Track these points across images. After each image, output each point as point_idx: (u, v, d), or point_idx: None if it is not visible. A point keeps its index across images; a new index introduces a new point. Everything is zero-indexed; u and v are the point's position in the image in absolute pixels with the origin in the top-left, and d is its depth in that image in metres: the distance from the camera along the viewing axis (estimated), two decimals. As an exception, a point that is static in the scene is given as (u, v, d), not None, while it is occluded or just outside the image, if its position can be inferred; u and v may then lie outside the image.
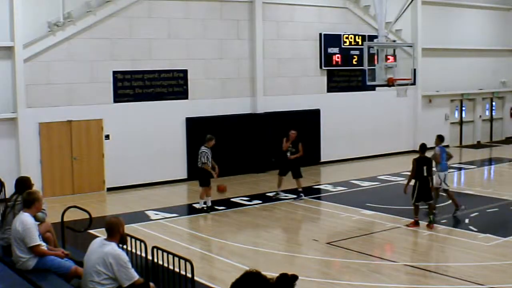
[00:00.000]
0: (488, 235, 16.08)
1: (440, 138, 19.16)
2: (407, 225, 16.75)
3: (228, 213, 18.83)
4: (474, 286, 12.43)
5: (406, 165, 26.33)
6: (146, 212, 18.95)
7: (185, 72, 23.61)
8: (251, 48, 25.09)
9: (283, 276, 7.59)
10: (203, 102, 24.00)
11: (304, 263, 14.05)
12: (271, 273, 12.30)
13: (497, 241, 15.67)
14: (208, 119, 23.87)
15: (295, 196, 20.38)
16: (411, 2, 24.69)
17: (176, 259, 9.75)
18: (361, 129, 28.19)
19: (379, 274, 13.36)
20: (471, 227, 16.85)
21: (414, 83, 23.72)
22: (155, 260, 10.24)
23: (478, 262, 14.07)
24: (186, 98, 23.75)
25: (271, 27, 25.58)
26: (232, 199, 20.41)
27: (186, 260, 9.58)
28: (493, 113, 35.36)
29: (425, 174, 16.66)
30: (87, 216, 11.71)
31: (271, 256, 14.56)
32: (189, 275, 9.55)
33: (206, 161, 18.62)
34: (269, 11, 25.44)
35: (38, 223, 9.91)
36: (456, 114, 33.43)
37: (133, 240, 10.45)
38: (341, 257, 14.50)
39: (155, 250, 10.17)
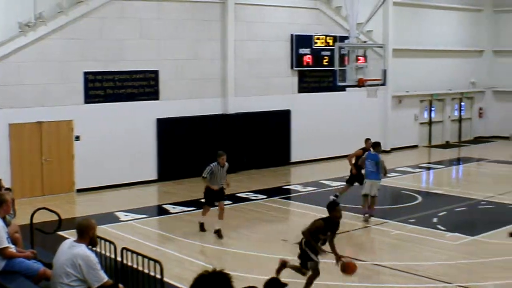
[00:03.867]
0: (456, 234, 16.36)
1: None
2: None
3: (198, 214, 18.81)
4: (442, 285, 12.65)
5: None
6: (115, 213, 18.88)
7: (156, 72, 23.57)
8: (223, 49, 25.12)
9: (274, 280, 7.65)
10: (174, 103, 23.97)
11: (273, 263, 14.10)
12: (239, 273, 12.46)
13: (465, 240, 15.95)
14: (179, 119, 23.89)
15: None
16: (382, 3, 24.86)
17: (146, 260, 9.79)
18: (331, 129, 28.32)
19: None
20: (439, 226, 17.09)
21: (384, 84, 23.89)
22: (125, 261, 10.26)
23: (446, 261, 14.28)
24: (157, 99, 23.71)
25: (243, 28, 25.64)
26: (202, 200, 20.34)
27: (155, 261, 9.62)
28: (462, 113, 35.74)
29: None
30: (57, 218, 11.68)
31: (240, 257, 14.67)
32: (158, 276, 9.60)
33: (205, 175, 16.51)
34: (241, 12, 25.50)
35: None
36: (426, 114, 33.73)
37: (102, 241, 10.45)
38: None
39: (124, 251, 10.20)
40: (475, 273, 13.69)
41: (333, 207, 12.03)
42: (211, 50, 24.94)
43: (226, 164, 16.38)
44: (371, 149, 18.33)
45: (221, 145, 24.36)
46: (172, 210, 19.32)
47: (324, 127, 28.01)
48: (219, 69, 25.15)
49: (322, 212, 18.83)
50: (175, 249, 15.27)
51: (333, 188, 22.55)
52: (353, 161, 19.37)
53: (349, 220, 17.85)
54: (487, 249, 15.25)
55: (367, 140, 19.30)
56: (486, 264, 14.30)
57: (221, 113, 25.23)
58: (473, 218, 18.75)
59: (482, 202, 20.25)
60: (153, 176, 23.71)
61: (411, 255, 14.82)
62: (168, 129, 23.62)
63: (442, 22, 34.01)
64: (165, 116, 23.69)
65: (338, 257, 11.91)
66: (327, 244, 12.08)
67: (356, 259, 14.44)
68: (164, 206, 19.98)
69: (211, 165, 16.19)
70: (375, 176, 17.85)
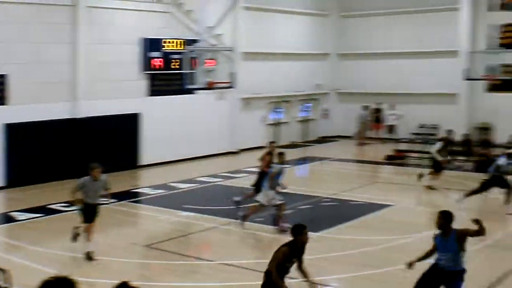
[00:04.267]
0: None
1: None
2: None
3: (47, 220, 18.54)
4: (289, 281, 13.25)
5: (223, 167, 27.32)
6: (-42, 223, 18.00)
7: (4, 76, 22.93)
8: (73, 52, 24.71)
9: (124, 285, 7.84)
10: (23, 108, 23.29)
11: (123, 267, 14.20)
12: (88, 279, 12.57)
13: (310, 237, 16.62)
14: (29, 124, 23.35)
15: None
16: (232, 7, 25.42)
17: (-9, 269, 9.75)
18: (182, 131, 28.54)
19: (197, 274, 13.89)
20: (285, 224, 17.71)
21: (233, 86, 24.36)
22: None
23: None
24: (6, 103, 23.06)
25: (94, 31, 25.32)
26: (49, 206, 19.93)
27: (2, 270, 9.61)
28: (308, 114, 36.99)
29: None
30: None
31: (89, 262, 14.48)
32: (6, 285, 9.60)
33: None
34: (92, 15, 25.15)
35: None
36: (273, 116, 34.56)
37: None
38: (159, 259, 14.87)
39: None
40: (319, 268, 14.44)
41: (301, 231, 10.55)
42: (61, 53, 24.48)
43: (103, 177, 15.00)
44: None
45: (71, 150, 24.28)
46: (19, 217, 18.77)
47: (174, 130, 28.21)
48: (70, 73, 24.76)
49: (172, 215, 19.20)
50: (22, 257, 14.87)
51: (182, 189, 22.92)
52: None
53: (196, 221, 18.31)
54: (331, 244, 16.04)
55: (271, 143, 19.67)
56: (330, 259, 15.09)
57: (71, 117, 24.87)
58: (317, 215, 19.46)
59: (326, 200, 21.10)
60: (1, 183, 23.10)
61: (259, 253, 15.35)
62: (17, 135, 23.03)
63: (290, 26, 35.11)
64: (14, 122, 23.08)
65: (313, 284, 10.93)
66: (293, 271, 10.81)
67: (205, 260, 14.96)
68: (10, 213, 19.37)
69: (83, 179, 14.84)
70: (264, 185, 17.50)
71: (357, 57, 37.32)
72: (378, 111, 35.66)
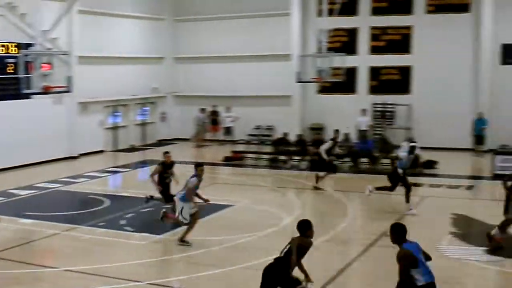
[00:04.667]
0: (144, 234, 17.18)
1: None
2: None
3: None
4: (133, 284, 13.38)
5: (63, 172, 26.97)
6: None
7: None
8: None
9: None
10: None
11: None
12: None
13: (152, 239, 16.85)
14: None
15: None
16: (66, 11, 25.12)
17: None
18: (19, 137, 27.71)
19: (42, 282, 13.72)
20: (127, 227, 17.84)
21: (69, 91, 24.08)
22: None
23: (136, 260, 15.05)
24: None
25: None
26: None
27: None
28: (146, 118, 37.24)
29: None
30: None
31: None
32: None
33: None
34: None
35: None
36: (111, 120, 34.48)
37: None
38: (2, 269, 14.44)
39: None
40: (163, 270, 14.75)
41: (310, 226, 10.45)
42: None
43: None
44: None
45: None
46: None
47: (12, 135, 27.28)
48: None
49: (13, 222, 18.67)
50: None
51: (22, 196, 22.45)
52: (156, 179, 18.97)
53: (38, 228, 18.02)
54: (174, 246, 16.31)
55: (165, 153, 19.40)
56: (173, 260, 15.43)
57: None
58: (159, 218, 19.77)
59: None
60: None
61: (103, 258, 15.27)
62: None
63: (126, 30, 35.17)
64: None
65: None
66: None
67: (49, 267, 14.82)
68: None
69: None
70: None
71: (192, 60, 37.88)
72: (214, 113, 36.41)
